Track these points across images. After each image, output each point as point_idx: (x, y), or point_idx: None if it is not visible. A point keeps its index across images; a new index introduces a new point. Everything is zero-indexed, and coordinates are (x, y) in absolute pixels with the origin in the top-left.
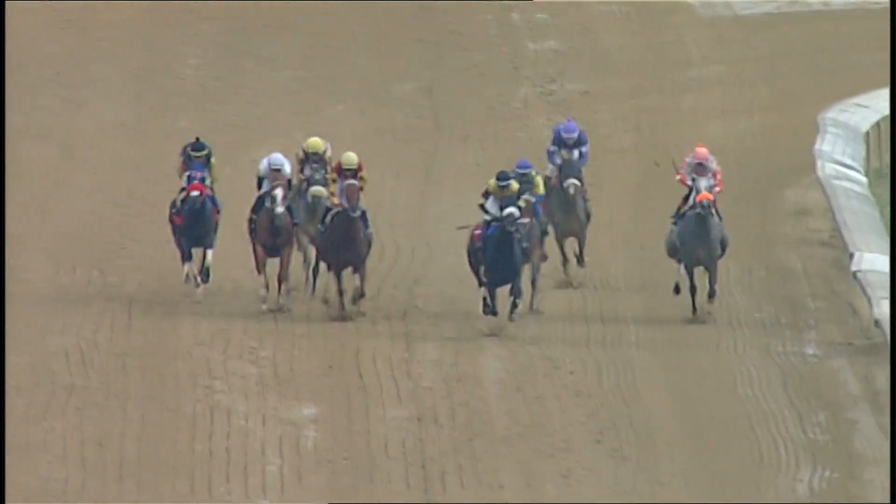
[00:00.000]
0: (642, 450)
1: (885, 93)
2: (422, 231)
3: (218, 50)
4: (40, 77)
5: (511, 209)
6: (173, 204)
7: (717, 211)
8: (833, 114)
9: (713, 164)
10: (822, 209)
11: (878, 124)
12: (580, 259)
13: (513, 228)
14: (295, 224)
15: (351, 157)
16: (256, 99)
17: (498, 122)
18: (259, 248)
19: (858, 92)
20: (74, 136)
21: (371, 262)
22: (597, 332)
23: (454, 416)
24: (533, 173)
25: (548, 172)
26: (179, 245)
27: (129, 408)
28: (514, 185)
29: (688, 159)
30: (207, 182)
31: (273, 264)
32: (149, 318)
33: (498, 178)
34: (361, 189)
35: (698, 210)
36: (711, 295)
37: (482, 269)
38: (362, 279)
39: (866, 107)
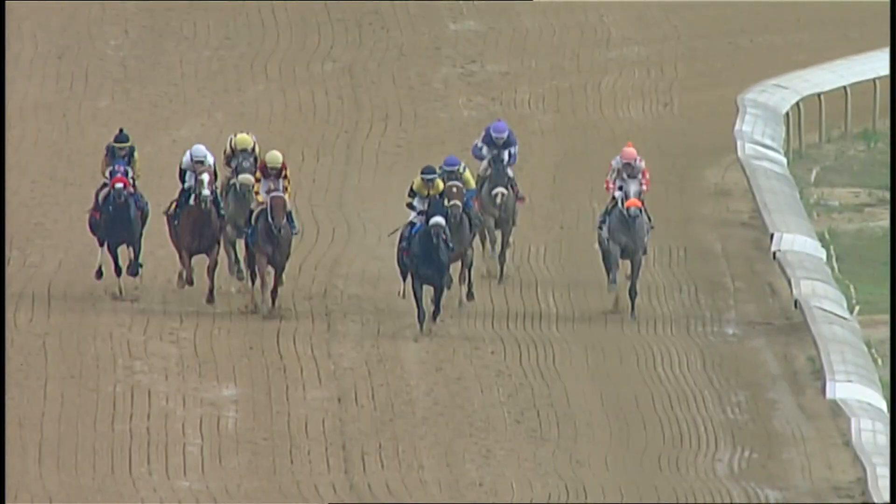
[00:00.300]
0: (562, 430)
1: (804, 74)
2: (342, 211)
3: (139, 30)
4: None
5: (438, 219)
6: (95, 197)
7: (646, 212)
8: (753, 95)
9: (641, 164)
10: (742, 190)
11: (797, 105)
12: (507, 244)
13: (437, 241)
14: (221, 216)
15: (276, 156)
16: (177, 78)
17: (418, 103)
18: (184, 252)
19: (777, 73)
20: None
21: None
22: (517, 312)
23: (374, 396)
24: (460, 169)
25: (480, 171)
26: (100, 241)
27: (49, 388)
28: (440, 182)
29: (614, 162)
30: (130, 176)
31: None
32: (69, 299)
33: (423, 173)
34: (286, 196)
35: (626, 216)
36: (633, 294)
37: (408, 269)
38: (278, 274)
39: (785, 88)
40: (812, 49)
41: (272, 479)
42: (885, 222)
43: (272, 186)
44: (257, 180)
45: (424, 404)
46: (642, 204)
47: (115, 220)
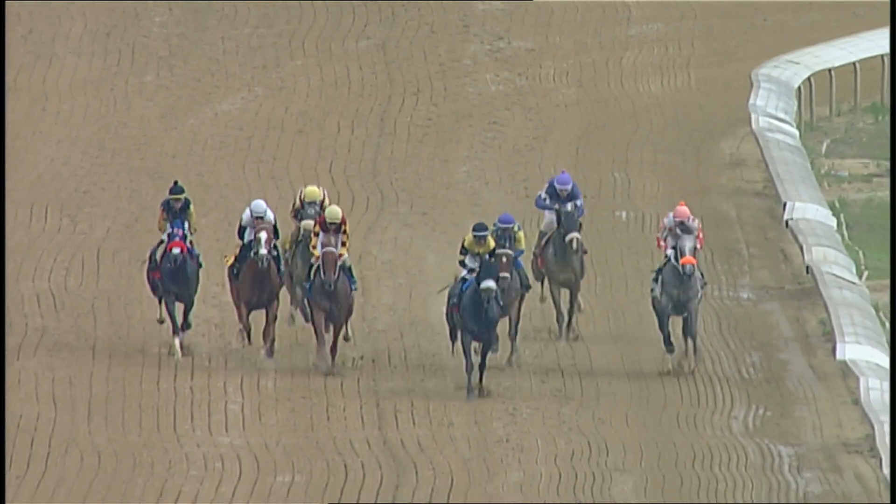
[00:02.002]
0: (585, 390)
1: (815, 50)
2: (375, 181)
3: (182, 8)
4: (13, 35)
5: (490, 283)
6: (151, 256)
7: (700, 270)
8: (766, 70)
9: (695, 223)
10: (756, 160)
11: (809, 79)
12: (578, 306)
13: (487, 305)
14: (280, 273)
15: (335, 212)
16: (219, 54)
17: (448, 78)
18: (243, 306)
19: (790, 50)
20: (46, 90)
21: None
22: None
23: (407, 357)
24: (515, 228)
25: (543, 227)
26: (159, 299)
27: (97, 349)
28: (491, 240)
29: (666, 220)
30: (189, 238)
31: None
32: (116, 264)
33: (474, 230)
34: (344, 245)
35: (681, 273)
36: (695, 350)
37: (457, 325)
38: (338, 329)
39: (797, 63)
40: (822, 27)
41: (309, 436)
42: None
43: (327, 241)
44: (315, 234)
45: (454, 365)
46: (696, 262)
47: (174, 281)
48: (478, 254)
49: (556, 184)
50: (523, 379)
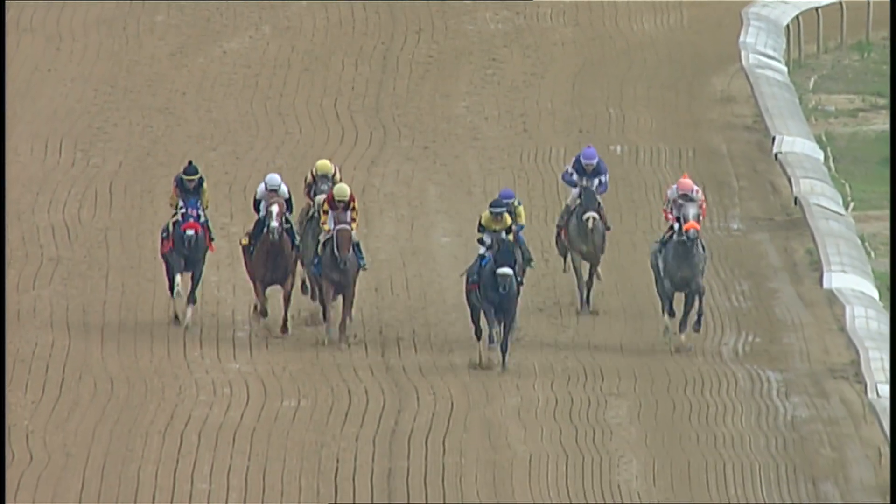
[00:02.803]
0: (580, 318)
1: None
2: (378, 116)
3: None
4: None
5: (506, 269)
6: (165, 229)
7: (701, 242)
8: (756, 8)
9: (698, 195)
10: (746, 96)
11: (797, 18)
12: (597, 276)
13: (505, 291)
14: (295, 247)
15: (343, 189)
16: None
17: (449, 17)
18: (258, 283)
19: None
20: (60, 29)
21: (331, 145)
22: (539, 210)
23: (408, 286)
24: (515, 203)
25: (568, 201)
26: (168, 274)
27: (110, 278)
28: (507, 217)
29: (669, 192)
30: (202, 219)
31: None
32: (128, 197)
33: (491, 206)
34: (354, 221)
35: (683, 238)
36: (696, 328)
37: (477, 303)
38: (350, 304)
39: (786, 2)
40: None
41: (315, 362)
42: (878, 126)
43: (339, 218)
44: (325, 212)
45: (454, 293)
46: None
47: (186, 259)
48: (495, 231)
49: (581, 158)
50: (521, 306)
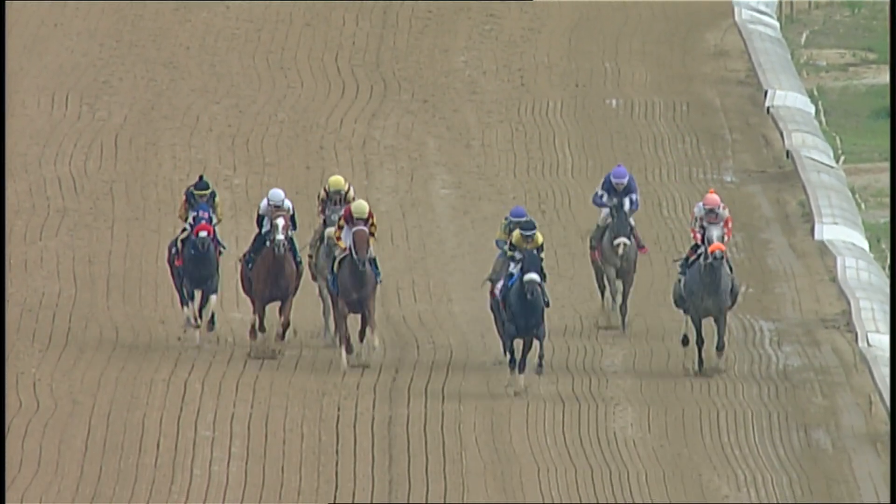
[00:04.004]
0: (577, 268)
1: None
2: (379, 70)
3: None
4: None
5: (533, 275)
6: (173, 244)
7: (728, 261)
8: None
9: (725, 211)
10: (739, 51)
11: None
12: (623, 301)
13: (531, 298)
14: (299, 264)
15: (362, 206)
16: None
17: None
18: (257, 300)
19: None
20: None
21: (332, 99)
22: (536, 162)
23: (408, 237)
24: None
25: (600, 220)
26: (179, 288)
27: (115, 229)
28: (539, 236)
29: (696, 209)
30: (214, 223)
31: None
32: (133, 149)
33: (522, 228)
34: (371, 235)
35: (710, 261)
36: (720, 347)
37: (505, 320)
38: (366, 320)
39: None
40: None
41: (317, 314)
42: (869, 80)
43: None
44: (340, 227)
45: (453, 244)
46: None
47: (197, 266)
48: (526, 250)
49: (612, 178)
50: None
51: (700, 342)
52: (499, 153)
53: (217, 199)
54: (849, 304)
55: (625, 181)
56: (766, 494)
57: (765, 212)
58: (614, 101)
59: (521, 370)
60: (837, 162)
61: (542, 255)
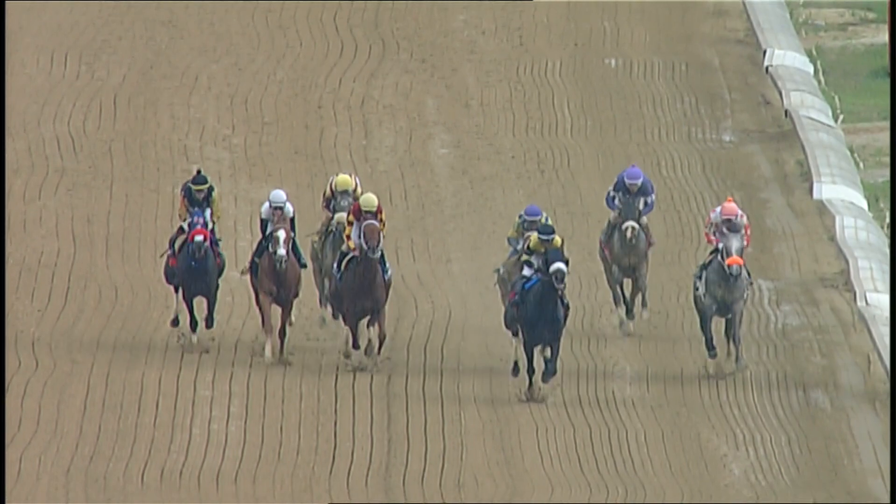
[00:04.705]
0: (576, 227)
1: None
2: (378, 30)
3: None
4: None
5: (559, 265)
6: (171, 243)
7: (747, 271)
8: None
9: (743, 220)
10: (738, 10)
11: None
12: (643, 302)
13: (560, 286)
14: (303, 266)
15: (371, 199)
16: None
17: None
18: (263, 297)
19: None
20: None
21: (331, 58)
22: (535, 121)
23: (407, 196)
24: (543, 219)
25: (611, 218)
26: (175, 287)
27: (114, 188)
28: (557, 239)
29: (712, 215)
30: (210, 227)
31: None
32: (132, 109)
33: (540, 232)
34: (381, 230)
35: (727, 273)
36: (737, 343)
37: (519, 326)
38: (381, 325)
39: None
40: None
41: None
42: (867, 39)
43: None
44: (349, 223)
45: (452, 203)
46: (743, 262)
47: (194, 272)
48: (543, 253)
49: (625, 178)
50: (517, 215)
51: (712, 348)
52: (497, 113)
53: (215, 193)
54: (847, 263)
55: (639, 182)
56: (764, 453)
57: (763, 171)
58: (613, 61)
59: (545, 380)
60: (836, 121)
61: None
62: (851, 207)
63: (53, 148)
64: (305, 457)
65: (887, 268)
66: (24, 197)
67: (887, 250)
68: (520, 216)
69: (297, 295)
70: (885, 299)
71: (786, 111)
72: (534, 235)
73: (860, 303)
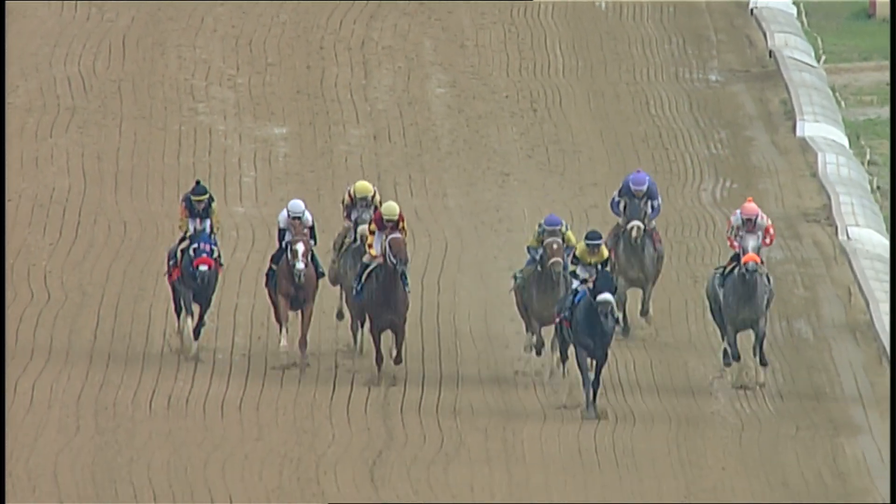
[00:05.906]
0: (567, 164)
1: None
2: None
3: None
4: None
5: (606, 296)
6: (171, 255)
7: (767, 277)
8: None
9: (765, 221)
10: None
11: None
12: (644, 310)
13: (605, 319)
14: (321, 275)
15: (392, 208)
16: None
17: None
18: (281, 299)
19: None
20: None
21: (331, 1)
22: (528, 62)
23: (405, 134)
24: (563, 228)
25: (620, 221)
26: (176, 299)
27: (123, 126)
28: (604, 249)
29: (733, 218)
30: (215, 253)
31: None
32: (140, 49)
33: (587, 238)
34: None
35: (744, 271)
36: (763, 364)
37: (569, 340)
38: (400, 342)
39: None
40: None
41: (316, 205)
42: None
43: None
44: (371, 233)
45: (448, 141)
46: (761, 261)
47: (197, 291)
48: (590, 264)
49: (630, 184)
50: (511, 153)
51: (737, 358)
52: (492, 53)
53: (214, 204)
54: (829, 198)
55: (644, 188)
56: (749, 382)
57: (748, 110)
58: (604, 3)
59: (593, 396)
60: (818, 62)
61: (554, 259)
62: (833, 145)
63: (64, 88)
64: (307, 384)
65: (868, 202)
66: (36, 135)
67: (867, 185)
68: (539, 225)
69: (313, 301)
70: (866, 233)
71: (770, 52)
72: (581, 244)
73: (841, 237)
